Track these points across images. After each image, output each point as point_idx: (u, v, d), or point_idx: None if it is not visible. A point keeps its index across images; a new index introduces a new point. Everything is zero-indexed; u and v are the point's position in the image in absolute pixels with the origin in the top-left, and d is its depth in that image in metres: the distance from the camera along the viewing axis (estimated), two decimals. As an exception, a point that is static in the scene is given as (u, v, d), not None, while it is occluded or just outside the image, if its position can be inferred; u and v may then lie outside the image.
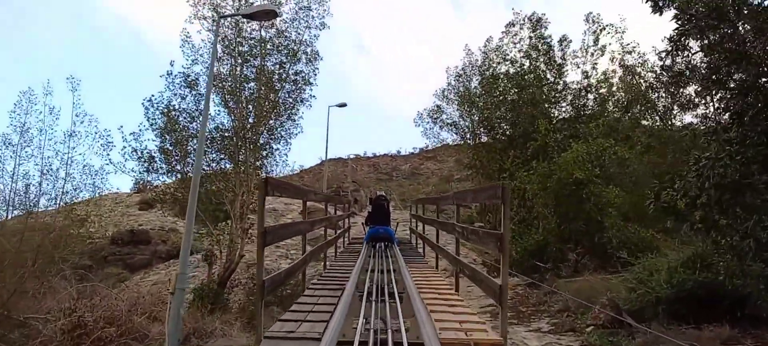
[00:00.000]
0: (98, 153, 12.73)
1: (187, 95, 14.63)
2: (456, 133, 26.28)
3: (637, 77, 14.11)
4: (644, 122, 14.40)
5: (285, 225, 7.24)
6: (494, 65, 19.53)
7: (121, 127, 20.81)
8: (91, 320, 11.00)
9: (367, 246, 10.32)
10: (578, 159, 14.66)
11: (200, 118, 14.22)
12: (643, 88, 14.28)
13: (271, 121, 14.70)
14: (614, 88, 16.09)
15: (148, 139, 14.14)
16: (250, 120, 13.98)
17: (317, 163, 60.01)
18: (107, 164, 13.06)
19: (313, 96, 15.50)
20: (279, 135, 15.40)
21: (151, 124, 14.38)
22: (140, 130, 13.96)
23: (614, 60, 14.67)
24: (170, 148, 14.12)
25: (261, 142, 14.48)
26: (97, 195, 15.53)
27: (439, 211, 11.65)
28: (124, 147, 13.88)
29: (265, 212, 5.53)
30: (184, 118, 14.57)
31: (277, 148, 15.42)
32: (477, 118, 22.11)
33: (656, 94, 14.02)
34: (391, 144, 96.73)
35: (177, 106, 14.53)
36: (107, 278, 17.85)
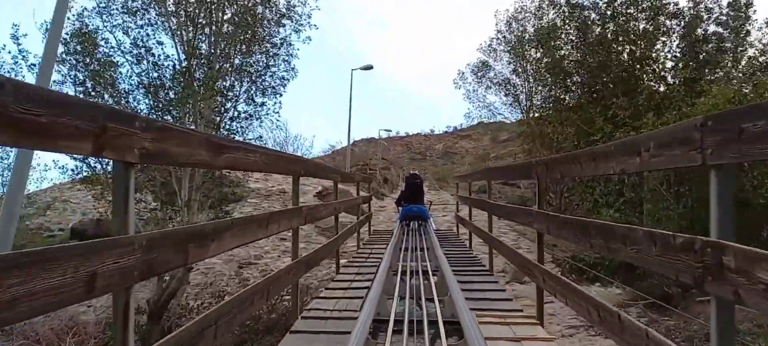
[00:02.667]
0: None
1: (130, 27, 9.33)
2: (506, 94, 20.58)
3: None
4: None
5: None
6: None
7: None
8: None
9: (400, 226, 9.61)
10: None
11: (146, 61, 9.01)
12: None
13: (242, 56, 9.32)
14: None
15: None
16: (205, 48, 8.59)
17: (350, 143, 55.12)
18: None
19: (312, 23, 10.05)
20: (265, 83, 10.02)
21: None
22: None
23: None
24: (85, 80, 8.88)
25: (226, 85, 9.11)
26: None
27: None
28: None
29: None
30: (129, 59, 9.26)
31: (263, 102, 10.07)
32: (535, 70, 16.35)
33: None
34: (424, 124, 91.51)
35: (115, 45, 9.27)
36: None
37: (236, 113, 9.85)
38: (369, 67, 23.00)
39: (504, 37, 19.47)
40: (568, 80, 13.54)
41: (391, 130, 61.12)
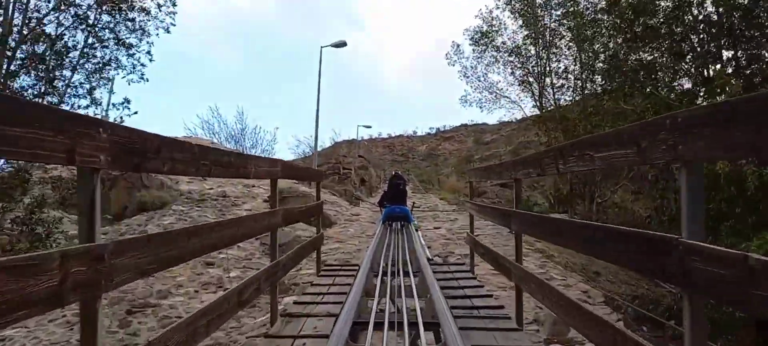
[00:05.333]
0: None
1: None
2: (513, 71, 15.66)
3: None
4: None
5: None
6: None
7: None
8: None
9: (383, 226, 9.20)
10: None
11: None
12: None
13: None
14: None
15: None
16: None
17: (330, 145, 50.32)
18: None
19: None
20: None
21: None
22: None
23: None
24: None
25: None
26: None
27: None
28: None
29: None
30: None
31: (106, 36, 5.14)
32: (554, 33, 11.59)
33: None
34: (407, 125, 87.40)
35: None
36: None
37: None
38: (342, 44, 18.08)
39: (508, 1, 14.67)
40: (635, 25, 8.65)
41: (371, 127, 56.64)
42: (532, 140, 46.62)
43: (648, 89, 7.86)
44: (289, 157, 33.89)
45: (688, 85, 7.83)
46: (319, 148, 33.56)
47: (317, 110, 16.84)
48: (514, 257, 3.90)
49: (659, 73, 8.03)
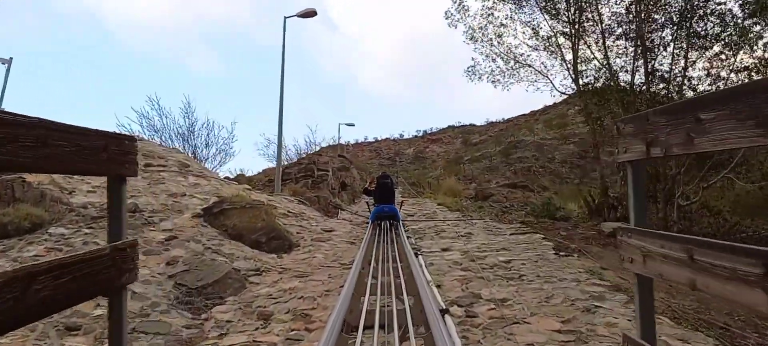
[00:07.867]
0: None
1: None
2: (536, 29, 11.47)
3: None
4: None
5: None
6: None
7: None
8: None
9: (372, 228, 9.24)
10: None
11: None
12: None
13: None
14: None
15: None
16: None
17: (309, 151, 47.00)
18: None
19: None
20: None
21: None
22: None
23: None
24: None
25: None
26: None
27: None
28: None
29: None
30: None
31: None
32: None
33: None
34: (393, 128, 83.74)
35: None
36: None
37: None
38: (310, 13, 13.86)
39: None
40: None
41: (354, 125, 52.63)
42: (522, 140, 42.96)
43: None
44: (259, 161, 29.26)
45: None
46: (299, 154, 28.92)
47: (281, 88, 12.71)
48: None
49: None
